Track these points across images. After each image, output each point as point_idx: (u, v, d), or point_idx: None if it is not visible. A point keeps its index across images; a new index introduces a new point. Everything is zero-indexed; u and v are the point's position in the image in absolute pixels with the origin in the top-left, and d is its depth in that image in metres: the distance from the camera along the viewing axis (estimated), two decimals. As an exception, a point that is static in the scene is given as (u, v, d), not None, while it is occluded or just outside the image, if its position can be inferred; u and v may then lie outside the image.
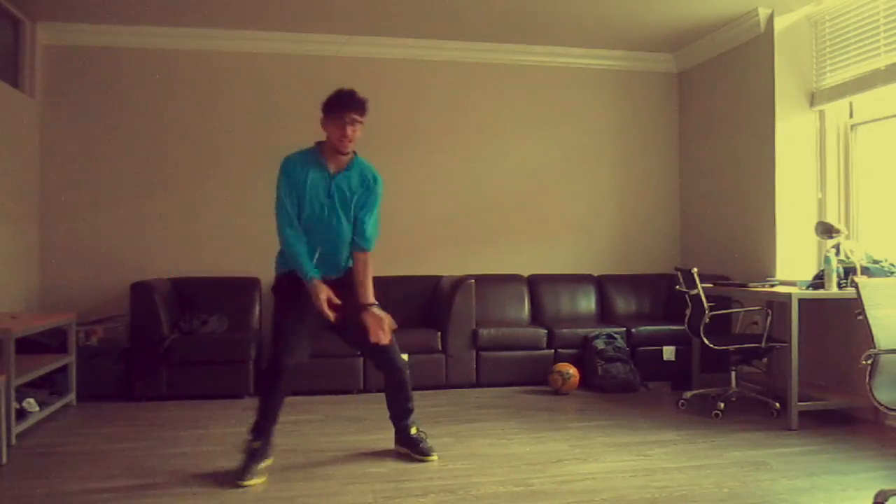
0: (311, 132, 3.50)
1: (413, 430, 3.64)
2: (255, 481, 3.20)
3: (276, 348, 3.41)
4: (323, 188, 3.39)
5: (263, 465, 3.30)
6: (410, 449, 3.60)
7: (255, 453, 3.29)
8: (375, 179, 3.49)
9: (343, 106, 3.32)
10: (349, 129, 3.31)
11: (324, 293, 3.29)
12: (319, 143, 3.45)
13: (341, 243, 3.47)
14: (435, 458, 3.54)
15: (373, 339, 3.39)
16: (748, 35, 5.43)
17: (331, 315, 3.29)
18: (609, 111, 6.47)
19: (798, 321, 4.20)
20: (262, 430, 3.35)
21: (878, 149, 4.88)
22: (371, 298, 3.44)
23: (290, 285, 3.41)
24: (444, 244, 6.11)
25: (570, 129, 6.38)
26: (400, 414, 3.67)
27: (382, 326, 3.41)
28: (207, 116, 5.77)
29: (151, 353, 4.90)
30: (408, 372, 3.65)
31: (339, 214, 3.42)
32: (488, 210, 6.20)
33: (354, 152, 3.47)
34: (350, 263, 3.53)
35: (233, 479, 3.20)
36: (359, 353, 3.66)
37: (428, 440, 3.63)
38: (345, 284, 3.45)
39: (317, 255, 3.40)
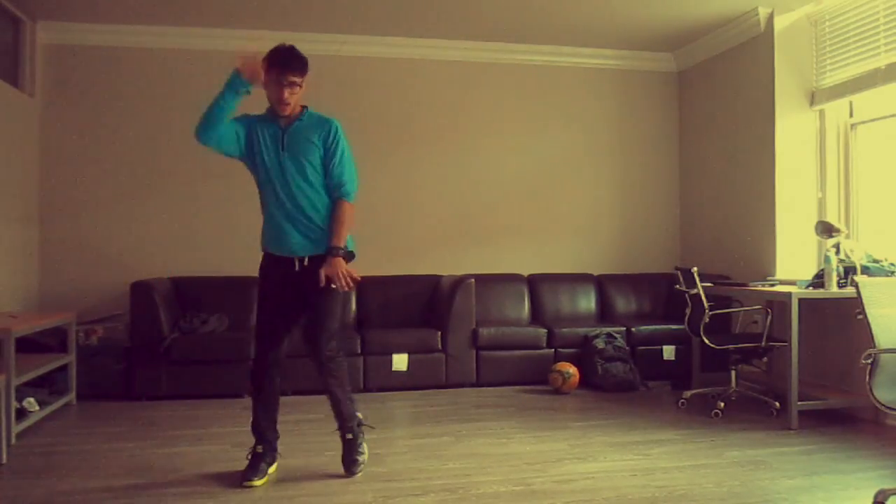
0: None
1: (349, 436, 3.35)
2: (258, 482, 3.19)
3: (255, 339, 3.35)
4: (272, 140, 3.19)
5: (269, 467, 3.29)
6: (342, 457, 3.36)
7: (256, 455, 3.28)
8: (330, 122, 3.24)
9: (278, 65, 3.10)
10: (286, 92, 3.11)
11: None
12: (270, 108, 3.26)
13: (301, 207, 3.19)
14: (359, 473, 3.31)
15: (322, 281, 3.08)
16: (748, 34, 5.43)
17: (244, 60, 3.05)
18: (609, 111, 6.47)
19: (798, 321, 4.20)
20: (257, 431, 3.31)
21: (878, 148, 4.88)
22: (337, 243, 3.14)
23: (262, 268, 3.32)
24: (443, 244, 6.11)
25: (570, 129, 6.38)
26: (335, 414, 3.35)
27: (339, 275, 3.10)
28: (207, 116, 5.76)
29: (151, 353, 4.90)
30: (335, 365, 3.28)
31: (294, 170, 3.18)
32: (488, 210, 6.20)
33: (304, 107, 3.25)
34: (313, 249, 3.22)
35: (239, 479, 3.21)
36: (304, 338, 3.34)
37: (361, 455, 3.36)
38: (305, 273, 3.19)
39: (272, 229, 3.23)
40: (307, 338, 3.27)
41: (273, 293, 3.28)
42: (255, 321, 3.38)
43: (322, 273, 3.10)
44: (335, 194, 3.24)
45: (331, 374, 3.28)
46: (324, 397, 5.20)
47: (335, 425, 3.38)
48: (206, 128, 3.20)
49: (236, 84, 3.11)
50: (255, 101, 3.28)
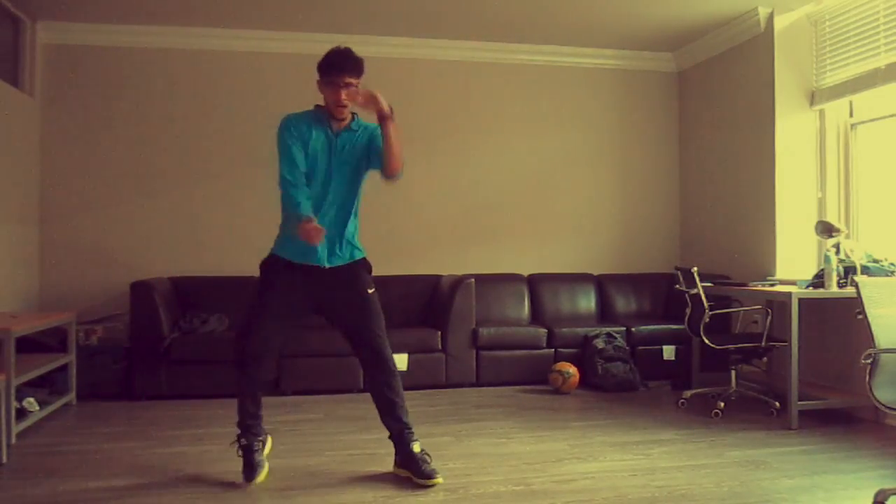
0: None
1: (416, 448, 3.26)
2: (262, 476, 3.18)
3: (242, 332, 3.28)
4: (325, 147, 3.16)
5: (262, 453, 3.25)
6: (412, 472, 3.22)
7: (246, 450, 3.22)
8: (377, 127, 3.20)
9: (335, 68, 3.10)
10: (343, 94, 3.09)
11: (309, 227, 2.98)
12: (318, 107, 3.24)
13: (340, 214, 3.20)
14: (440, 480, 3.17)
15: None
16: (748, 34, 5.43)
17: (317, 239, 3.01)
18: (609, 111, 6.47)
19: (798, 320, 4.20)
20: (242, 426, 3.24)
21: (878, 148, 4.88)
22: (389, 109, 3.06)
23: (272, 267, 3.24)
24: (443, 244, 6.11)
25: (570, 129, 6.38)
26: (395, 427, 3.29)
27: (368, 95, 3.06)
28: (207, 116, 5.77)
29: (151, 353, 4.90)
30: (398, 378, 3.29)
31: (341, 177, 3.18)
32: (488, 210, 6.20)
33: (354, 113, 3.24)
34: (351, 255, 3.26)
35: (243, 480, 3.16)
36: (349, 344, 3.34)
37: (432, 462, 3.26)
38: (338, 275, 3.22)
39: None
40: (369, 350, 3.25)
41: (281, 296, 3.19)
42: (248, 314, 3.28)
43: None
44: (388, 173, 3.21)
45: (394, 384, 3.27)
46: (322, 397, 5.17)
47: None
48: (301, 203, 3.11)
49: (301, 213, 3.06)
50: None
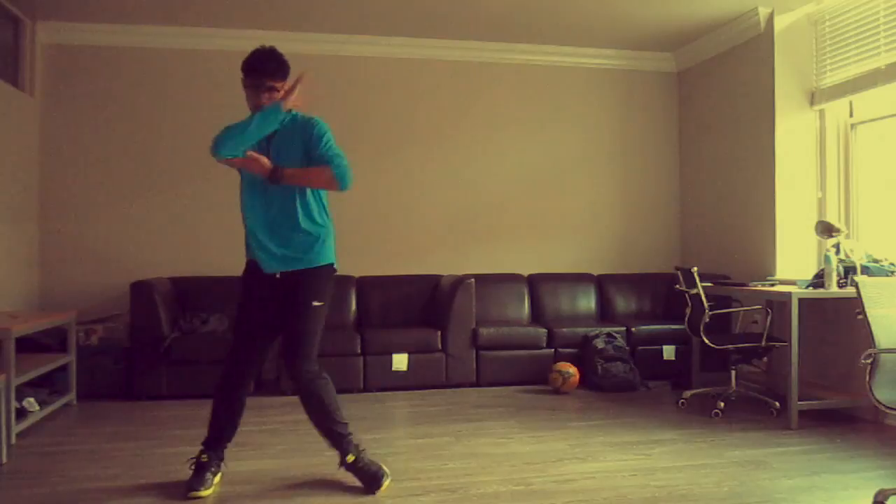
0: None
1: (350, 458, 3.09)
2: (205, 492, 3.02)
3: (231, 342, 3.16)
4: (259, 150, 2.99)
5: (214, 476, 3.11)
6: (359, 479, 3.11)
7: (201, 464, 3.10)
8: (310, 121, 3.05)
9: (254, 72, 2.95)
10: (265, 97, 2.95)
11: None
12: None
13: (283, 216, 3.02)
14: (386, 483, 3.09)
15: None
16: (748, 34, 5.43)
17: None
18: (609, 111, 6.47)
19: (798, 320, 4.19)
20: (208, 442, 3.14)
21: (878, 148, 4.87)
22: (285, 168, 2.95)
23: (243, 275, 3.17)
24: (444, 244, 6.11)
25: (570, 129, 6.38)
26: (327, 436, 3.12)
27: (253, 159, 2.94)
28: (207, 115, 5.73)
29: (151, 353, 4.90)
30: (318, 383, 3.06)
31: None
32: (488, 210, 6.20)
33: (290, 110, 3.04)
34: (295, 262, 3.05)
35: (184, 490, 3.05)
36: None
37: (370, 464, 3.12)
38: (286, 284, 3.04)
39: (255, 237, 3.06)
40: (283, 354, 3.10)
41: (251, 301, 3.12)
42: (235, 325, 3.19)
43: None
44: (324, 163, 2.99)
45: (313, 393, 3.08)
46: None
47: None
48: (232, 147, 2.95)
49: (278, 114, 2.97)
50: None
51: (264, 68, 2.97)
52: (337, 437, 3.11)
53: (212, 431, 3.17)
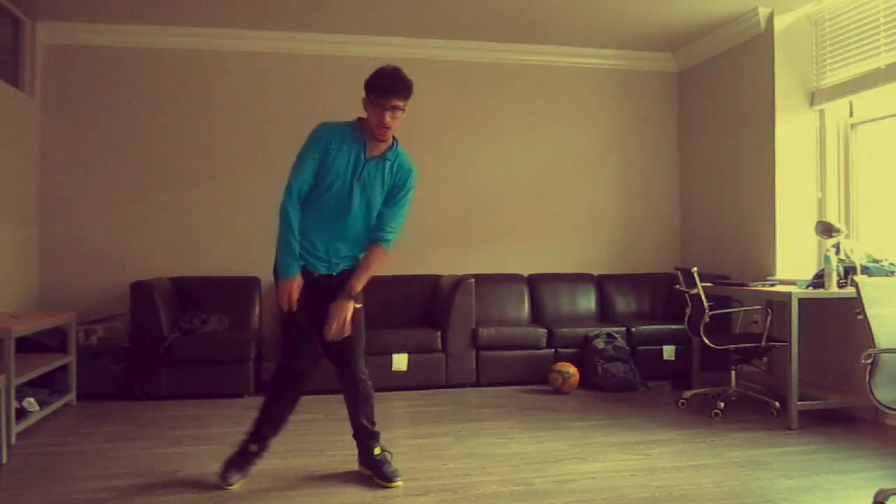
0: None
1: (377, 451, 3.27)
2: (237, 485, 3.12)
3: (285, 345, 3.22)
4: (352, 168, 3.04)
5: (246, 471, 3.20)
6: (374, 472, 3.24)
7: (250, 454, 3.19)
8: (410, 172, 3.16)
9: (382, 90, 2.98)
10: (388, 117, 2.97)
11: (290, 287, 3.01)
12: (361, 120, 3.11)
13: (349, 235, 3.13)
14: (399, 483, 3.18)
15: (326, 329, 3.01)
16: (748, 34, 5.43)
17: (290, 307, 3.02)
18: (609, 111, 6.47)
19: (798, 320, 4.19)
20: (259, 435, 3.21)
21: (878, 148, 4.88)
22: (355, 287, 3.08)
23: (301, 287, 3.12)
24: (444, 244, 6.11)
25: (570, 129, 6.38)
26: (361, 431, 3.29)
27: (343, 318, 3.02)
28: (207, 116, 5.77)
29: (152, 353, 4.90)
30: (369, 384, 3.28)
31: (358, 202, 3.07)
32: (488, 210, 6.20)
33: (395, 139, 3.12)
34: (349, 265, 3.20)
35: (219, 479, 3.13)
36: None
37: (392, 464, 3.28)
38: (336, 288, 3.11)
39: (321, 242, 3.13)
40: (339, 369, 3.25)
41: (308, 303, 3.12)
42: (284, 327, 3.22)
43: (332, 310, 3.02)
44: (376, 235, 3.14)
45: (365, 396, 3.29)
46: (323, 397, 5.18)
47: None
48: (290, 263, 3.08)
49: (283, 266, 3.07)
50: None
51: (395, 88, 3.01)
52: (371, 431, 3.28)
53: (264, 426, 3.23)
